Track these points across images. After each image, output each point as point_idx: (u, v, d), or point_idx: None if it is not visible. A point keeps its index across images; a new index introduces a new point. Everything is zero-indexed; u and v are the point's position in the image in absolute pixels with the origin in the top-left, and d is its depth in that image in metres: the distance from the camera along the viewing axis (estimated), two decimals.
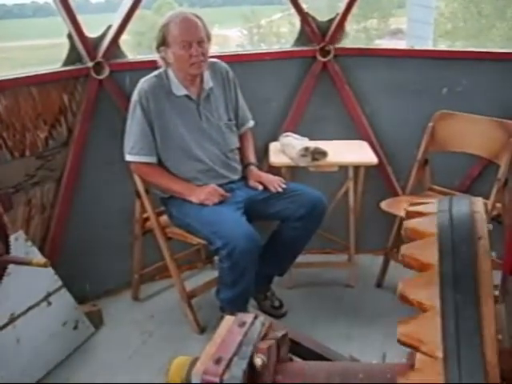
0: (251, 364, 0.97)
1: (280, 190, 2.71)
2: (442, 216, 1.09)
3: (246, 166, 2.85)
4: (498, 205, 2.77)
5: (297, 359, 1.23)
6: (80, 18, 2.78)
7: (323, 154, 2.88)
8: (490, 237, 1.03)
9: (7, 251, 1.82)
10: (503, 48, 3.75)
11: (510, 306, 1.19)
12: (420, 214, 1.17)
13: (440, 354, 0.84)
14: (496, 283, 1.01)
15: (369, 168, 3.07)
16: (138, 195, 2.85)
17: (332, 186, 3.11)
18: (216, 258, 2.71)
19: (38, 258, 2.35)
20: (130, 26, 2.95)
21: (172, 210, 2.75)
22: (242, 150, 2.88)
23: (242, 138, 2.89)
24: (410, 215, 1.18)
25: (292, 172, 3.03)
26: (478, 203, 1.14)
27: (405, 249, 1.07)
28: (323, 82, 3.28)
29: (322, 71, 3.26)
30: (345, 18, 3.22)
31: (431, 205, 1.18)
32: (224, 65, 2.81)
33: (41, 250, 2.76)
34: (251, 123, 2.92)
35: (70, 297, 2.72)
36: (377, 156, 3.04)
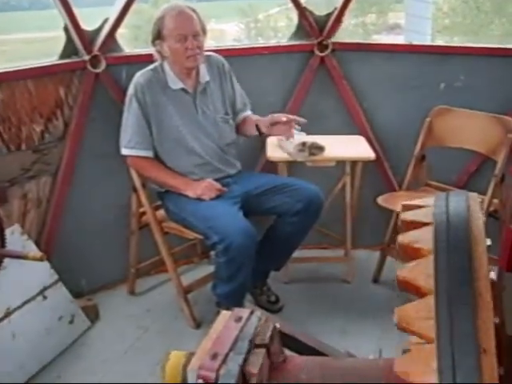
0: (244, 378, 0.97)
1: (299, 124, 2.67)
2: (438, 212, 1.09)
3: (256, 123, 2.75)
4: (495, 201, 2.77)
5: (293, 354, 1.22)
6: (76, 11, 2.76)
7: (320, 148, 2.87)
8: (486, 232, 1.02)
9: (3, 245, 1.81)
10: (502, 44, 3.74)
11: (506, 303, 1.18)
12: (417, 207, 1.17)
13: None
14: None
15: (366, 163, 3.06)
16: (135, 189, 2.84)
17: (329, 181, 3.11)
18: (212, 252, 2.70)
19: (34, 251, 2.34)
20: (127, 20, 2.94)
21: (168, 204, 2.74)
22: (246, 123, 2.83)
23: (244, 120, 2.85)
24: (407, 208, 1.18)
25: (289, 167, 3.03)
26: (475, 199, 1.14)
27: (401, 237, 1.06)
28: (321, 77, 3.28)
29: (319, 66, 3.26)
30: (342, 13, 3.21)
31: (428, 199, 1.18)
32: (219, 57, 2.80)
33: (37, 243, 2.75)
34: (249, 113, 2.89)
35: (65, 291, 2.72)
36: (374, 151, 3.04)
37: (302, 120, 2.66)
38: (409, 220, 1.12)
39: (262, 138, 2.91)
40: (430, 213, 1.09)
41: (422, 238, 1.04)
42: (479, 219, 1.05)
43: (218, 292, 2.67)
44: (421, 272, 0.98)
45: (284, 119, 2.65)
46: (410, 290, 1.00)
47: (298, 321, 2.73)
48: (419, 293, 0.96)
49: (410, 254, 1.03)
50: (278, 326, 1.09)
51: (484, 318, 0.86)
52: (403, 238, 1.06)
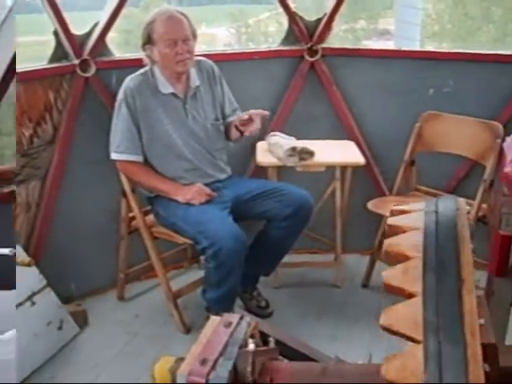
0: None
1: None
2: (428, 219, 1.09)
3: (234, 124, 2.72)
4: (484, 206, 2.78)
5: (281, 362, 1.22)
6: (66, 15, 2.76)
7: (310, 153, 2.87)
8: (475, 237, 1.03)
9: None
10: (490, 50, 3.77)
11: (494, 306, 1.19)
12: (405, 212, 1.17)
13: None
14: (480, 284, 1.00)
15: (356, 168, 3.07)
16: (124, 194, 2.83)
17: (319, 186, 3.11)
18: (202, 257, 2.69)
19: (23, 257, 2.32)
20: (117, 24, 2.93)
21: (158, 209, 2.73)
22: (230, 127, 2.78)
23: (229, 124, 2.80)
24: (395, 213, 1.19)
25: (279, 172, 3.03)
26: (463, 205, 1.15)
27: (388, 243, 1.06)
28: (311, 82, 3.28)
29: (309, 71, 3.26)
30: (332, 18, 3.22)
31: (417, 204, 1.18)
32: (209, 62, 2.79)
33: (26, 248, 2.73)
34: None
35: (54, 296, 2.70)
36: (364, 156, 3.04)
37: (265, 113, 2.63)
38: (395, 225, 1.12)
39: (245, 138, 2.81)
40: (418, 218, 1.09)
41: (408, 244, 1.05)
42: (466, 226, 1.05)
43: (207, 297, 2.66)
44: (410, 220, 1.02)
45: (246, 117, 2.63)
46: (398, 233, 1.01)
47: (287, 325, 2.73)
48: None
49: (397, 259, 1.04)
50: (253, 347, 1.05)
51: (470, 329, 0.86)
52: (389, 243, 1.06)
